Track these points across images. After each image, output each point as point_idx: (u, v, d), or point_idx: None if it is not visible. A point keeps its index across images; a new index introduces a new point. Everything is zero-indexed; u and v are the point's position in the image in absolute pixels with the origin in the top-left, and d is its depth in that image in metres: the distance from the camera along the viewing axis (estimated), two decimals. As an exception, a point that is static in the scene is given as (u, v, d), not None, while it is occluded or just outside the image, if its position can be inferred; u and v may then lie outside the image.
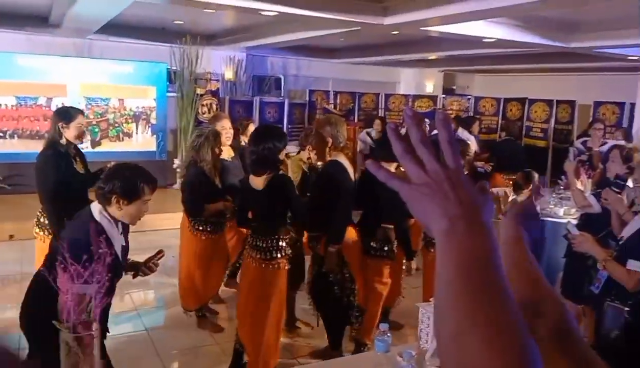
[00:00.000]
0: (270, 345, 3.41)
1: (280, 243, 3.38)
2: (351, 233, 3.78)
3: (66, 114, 3.75)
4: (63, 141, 3.71)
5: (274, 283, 3.37)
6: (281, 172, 3.47)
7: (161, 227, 7.02)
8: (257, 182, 3.34)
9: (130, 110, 8.68)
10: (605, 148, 6.22)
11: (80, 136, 3.79)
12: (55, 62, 8.10)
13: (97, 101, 8.44)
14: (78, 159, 3.85)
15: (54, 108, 7.99)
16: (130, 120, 8.72)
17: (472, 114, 9.88)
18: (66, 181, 3.62)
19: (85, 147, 8.29)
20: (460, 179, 0.61)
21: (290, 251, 3.47)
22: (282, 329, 3.75)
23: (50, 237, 3.67)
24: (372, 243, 3.78)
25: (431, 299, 2.32)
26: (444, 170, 0.61)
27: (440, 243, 0.59)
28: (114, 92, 8.55)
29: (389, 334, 2.16)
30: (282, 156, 3.45)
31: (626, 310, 2.72)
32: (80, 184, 3.78)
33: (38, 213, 3.88)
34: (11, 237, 6.35)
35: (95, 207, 2.50)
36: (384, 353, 2.14)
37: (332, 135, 3.62)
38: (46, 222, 3.77)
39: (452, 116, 8.39)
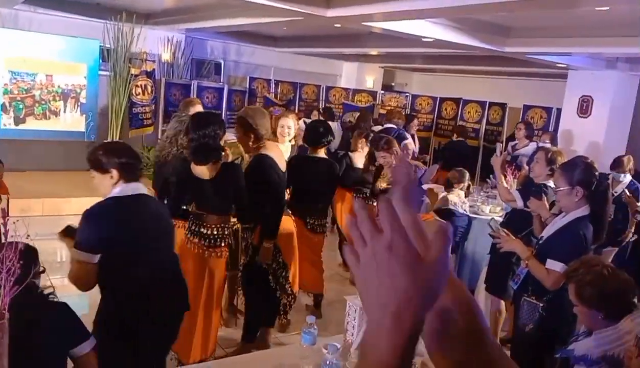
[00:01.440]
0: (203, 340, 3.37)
1: (226, 231, 3.38)
2: (286, 223, 3.79)
3: None
4: None
5: (213, 272, 3.34)
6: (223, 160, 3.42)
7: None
8: (202, 170, 3.26)
9: (59, 87, 8.24)
10: (529, 148, 6.54)
11: None
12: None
13: (23, 76, 7.95)
14: None
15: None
16: (58, 98, 8.28)
17: (409, 111, 10.09)
18: None
19: (8, 124, 7.84)
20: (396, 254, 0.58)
21: (232, 240, 3.50)
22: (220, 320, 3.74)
23: None
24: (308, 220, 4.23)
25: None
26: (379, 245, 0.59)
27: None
28: (41, 67, 8.09)
29: (315, 327, 2.16)
30: (222, 143, 3.42)
31: (541, 306, 2.86)
32: None
33: None
34: None
35: None
36: (310, 345, 2.14)
37: (257, 128, 3.52)
38: None
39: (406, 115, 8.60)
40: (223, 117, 8.82)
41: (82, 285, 2.37)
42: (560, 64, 8.08)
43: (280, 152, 3.75)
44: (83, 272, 2.34)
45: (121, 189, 2.45)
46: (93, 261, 2.33)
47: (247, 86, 10.56)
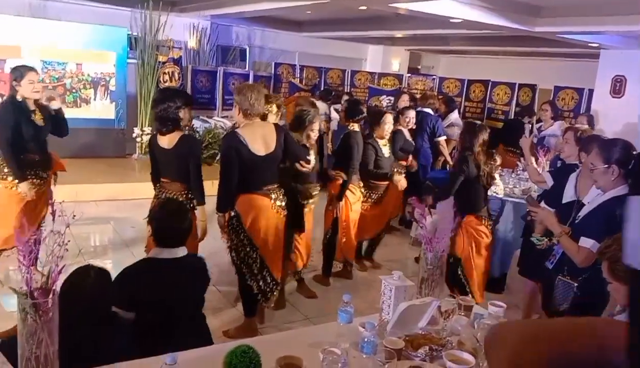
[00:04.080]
0: None
1: (190, 197, 3.63)
2: (259, 205, 3.72)
3: (17, 72, 3.99)
4: (19, 97, 3.96)
5: None
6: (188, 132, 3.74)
7: (120, 196, 6.87)
8: (164, 141, 3.62)
9: (88, 75, 8.37)
10: (555, 128, 6.42)
11: (34, 91, 3.98)
12: (9, 22, 7.71)
13: (54, 65, 8.10)
14: (38, 113, 4.07)
15: (7, 70, 7.66)
16: (88, 86, 8.41)
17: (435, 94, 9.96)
18: (22, 130, 3.94)
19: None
20: None
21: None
22: None
23: (12, 185, 4.00)
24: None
25: (393, 272, 2.36)
26: None
27: None
28: (71, 56, 8.22)
29: (351, 305, 2.18)
30: (182, 115, 3.62)
31: (575, 286, 2.84)
32: (38, 135, 4.06)
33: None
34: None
35: None
36: (347, 324, 2.16)
37: (239, 103, 3.64)
38: (6, 170, 4.00)
39: (439, 96, 8.40)
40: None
41: None
42: (592, 43, 7.88)
43: (260, 131, 3.68)
44: None
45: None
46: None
47: (272, 72, 10.56)
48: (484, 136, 4.07)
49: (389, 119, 5.00)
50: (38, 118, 4.06)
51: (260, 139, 3.64)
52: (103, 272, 2.20)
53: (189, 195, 3.66)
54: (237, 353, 1.72)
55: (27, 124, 3.97)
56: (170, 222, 2.55)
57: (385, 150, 5.06)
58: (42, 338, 1.62)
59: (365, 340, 1.97)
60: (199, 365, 1.84)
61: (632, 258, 0.78)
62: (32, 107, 4.03)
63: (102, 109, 8.56)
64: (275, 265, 3.82)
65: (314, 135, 4.30)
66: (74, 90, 8.30)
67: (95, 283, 2.12)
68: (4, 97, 4.16)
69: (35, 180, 4.05)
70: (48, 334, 1.62)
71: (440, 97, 8.06)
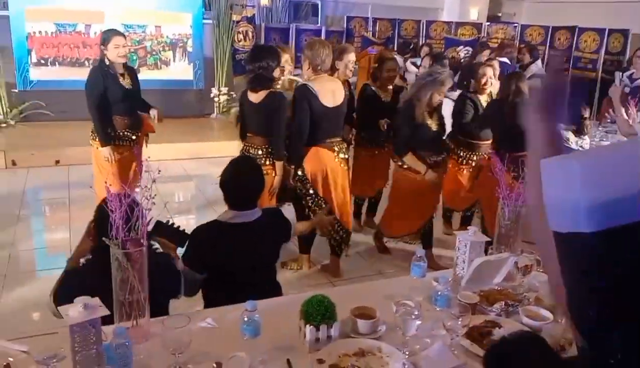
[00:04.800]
0: None
1: (269, 151, 3.74)
2: (325, 158, 3.89)
3: (103, 36, 4.18)
4: (107, 61, 4.13)
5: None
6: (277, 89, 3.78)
7: (200, 155, 7.14)
8: (253, 96, 3.71)
9: (167, 37, 8.63)
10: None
11: (120, 55, 4.13)
12: (93, -12, 8.04)
13: (135, 28, 8.40)
14: (126, 76, 4.25)
15: (92, 35, 8.05)
16: (167, 48, 8.69)
17: (517, 43, 9.46)
18: (109, 93, 4.11)
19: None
20: None
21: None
22: None
23: (127, 151, 4.24)
24: None
25: (468, 227, 2.32)
26: None
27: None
28: (151, 18, 8.49)
29: (424, 260, 2.19)
30: (276, 74, 3.72)
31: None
32: (127, 97, 4.22)
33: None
34: (57, 162, 6.57)
35: None
36: (420, 278, 2.18)
37: (311, 59, 3.76)
38: None
39: (525, 45, 7.97)
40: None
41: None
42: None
43: (329, 85, 3.81)
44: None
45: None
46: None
47: (345, 26, 10.40)
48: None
49: (488, 71, 4.49)
50: (126, 81, 4.21)
51: (330, 93, 3.78)
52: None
53: (269, 150, 3.76)
54: (313, 302, 1.79)
55: (115, 87, 4.12)
56: (240, 182, 2.46)
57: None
58: (134, 285, 1.75)
59: (439, 293, 1.98)
60: (277, 312, 1.93)
61: (553, 222, 0.79)
62: (120, 70, 4.19)
63: (180, 70, 8.83)
64: (344, 215, 3.96)
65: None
66: (154, 53, 8.60)
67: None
68: (94, 62, 4.41)
69: (122, 142, 4.25)
70: (139, 281, 1.75)
71: (521, 45, 7.64)
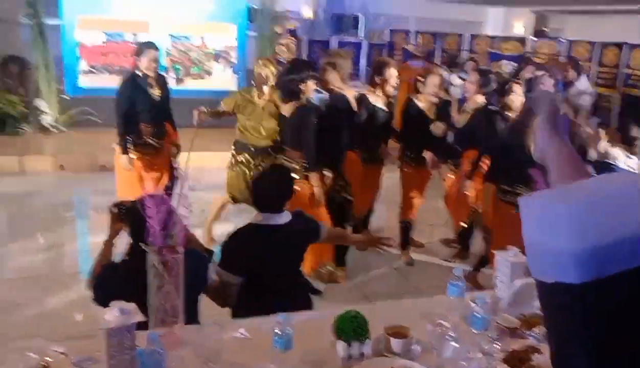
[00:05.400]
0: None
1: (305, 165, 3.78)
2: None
3: (139, 48, 4.36)
4: (139, 72, 4.30)
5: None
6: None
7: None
8: (285, 109, 3.86)
9: (212, 48, 8.80)
10: None
11: (151, 68, 4.29)
12: (141, -1, 8.29)
13: (180, 39, 8.61)
14: (155, 87, 4.39)
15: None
16: (211, 59, 8.86)
17: (563, 59, 9.23)
18: (138, 103, 4.28)
19: (170, 84, 8.57)
20: None
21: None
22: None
23: (135, 155, 4.36)
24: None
25: (508, 247, 2.26)
26: None
27: None
28: (196, 29, 8.68)
29: (463, 279, 2.14)
30: (303, 87, 3.75)
31: None
32: (155, 107, 4.37)
33: None
34: (102, 167, 6.75)
35: None
36: (457, 297, 2.12)
37: (343, 67, 4.06)
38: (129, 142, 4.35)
39: (569, 61, 7.76)
40: (360, 71, 8.85)
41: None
42: None
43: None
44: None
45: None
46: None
47: (386, 39, 10.38)
48: None
49: (517, 90, 4.32)
50: (155, 92, 4.37)
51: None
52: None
53: (304, 163, 3.80)
54: (346, 317, 1.77)
55: (143, 97, 4.28)
56: (266, 188, 2.55)
57: None
58: (169, 291, 1.77)
59: (477, 315, 1.93)
60: (309, 326, 1.91)
61: (535, 269, 0.68)
62: (151, 81, 4.35)
63: (224, 80, 8.97)
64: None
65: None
66: (198, 63, 8.78)
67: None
68: (126, 73, 4.60)
69: (146, 149, 4.38)
70: (174, 288, 1.76)
71: (565, 61, 7.45)
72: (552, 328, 0.71)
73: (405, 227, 4.70)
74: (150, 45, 4.39)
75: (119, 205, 2.17)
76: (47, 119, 7.87)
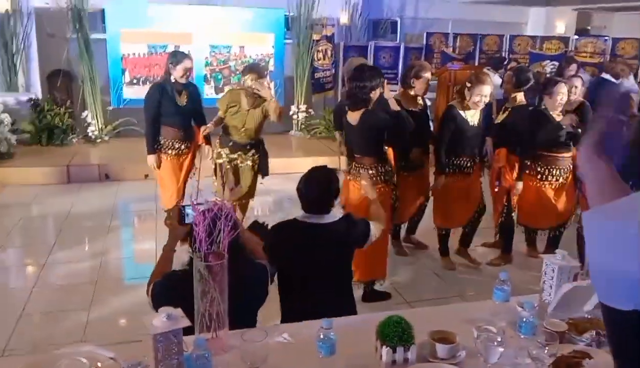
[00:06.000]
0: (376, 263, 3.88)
1: (380, 170, 3.80)
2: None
3: (174, 57, 4.60)
4: (171, 79, 4.56)
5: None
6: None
7: (278, 171, 7.27)
8: (351, 116, 3.78)
9: (250, 57, 8.91)
10: None
11: (184, 76, 4.55)
12: (183, 11, 8.47)
13: (220, 48, 8.76)
14: (184, 94, 4.65)
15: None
16: (250, 68, 8.96)
17: (607, 58, 8.97)
18: (163, 108, 4.57)
19: (210, 93, 8.74)
20: None
21: (387, 179, 3.86)
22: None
23: (168, 157, 4.71)
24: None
25: (556, 251, 2.20)
26: None
27: None
28: (235, 39, 8.82)
29: (508, 283, 2.09)
30: (373, 95, 3.69)
31: None
32: (179, 113, 4.64)
33: None
34: (146, 176, 6.92)
35: None
36: (503, 302, 2.08)
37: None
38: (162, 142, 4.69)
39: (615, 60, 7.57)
40: (398, 75, 8.80)
41: None
42: None
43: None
44: None
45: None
46: None
47: (424, 42, 10.30)
48: None
49: (562, 89, 4.28)
50: (182, 99, 4.63)
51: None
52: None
53: (380, 169, 3.82)
54: (389, 323, 1.75)
55: (169, 103, 4.56)
56: (310, 188, 2.60)
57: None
58: (214, 296, 1.79)
59: (524, 320, 1.88)
60: (352, 330, 1.91)
61: (603, 294, 0.63)
62: (179, 88, 4.61)
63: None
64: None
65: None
66: (238, 72, 8.90)
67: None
68: (159, 78, 5.02)
69: (171, 151, 4.70)
70: (219, 293, 1.79)
71: (614, 60, 7.23)
72: (622, 352, 0.67)
73: (445, 234, 4.63)
74: (186, 55, 4.66)
75: (178, 212, 2.21)
76: (93, 130, 8.14)
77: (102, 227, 5.41)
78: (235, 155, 4.71)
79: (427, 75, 4.39)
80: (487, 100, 4.24)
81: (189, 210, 2.15)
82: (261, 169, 4.84)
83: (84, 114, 8.15)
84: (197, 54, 8.24)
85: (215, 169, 4.83)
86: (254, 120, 4.60)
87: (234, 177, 4.72)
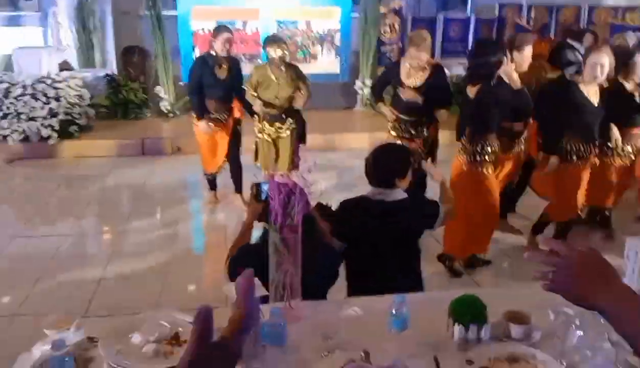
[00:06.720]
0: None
1: (486, 148, 3.77)
2: None
3: (215, 30, 4.87)
4: (213, 52, 4.85)
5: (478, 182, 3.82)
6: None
7: (343, 147, 7.28)
8: (472, 91, 3.79)
9: (317, 32, 8.89)
10: None
11: (223, 49, 4.78)
12: (249, -13, 8.54)
13: (287, 24, 8.78)
14: (224, 67, 4.88)
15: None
16: (316, 43, 8.95)
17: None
18: (204, 79, 4.83)
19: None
20: None
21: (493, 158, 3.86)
22: None
23: (219, 129, 5.01)
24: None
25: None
26: None
27: None
28: (302, 14, 8.81)
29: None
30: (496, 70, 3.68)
31: None
32: (218, 85, 4.87)
33: None
34: (178, 149, 7.05)
35: None
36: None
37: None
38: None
39: None
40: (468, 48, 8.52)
41: None
42: None
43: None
44: None
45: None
46: None
47: (496, 14, 9.89)
48: None
49: (601, 59, 3.90)
50: (221, 72, 4.87)
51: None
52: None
53: (484, 147, 3.82)
54: (464, 301, 1.74)
55: (209, 75, 4.81)
56: (376, 163, 2.59)
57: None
58: (288, 269, 1.84)
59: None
60: (423, 307, 1.90)
61: None
62: (220, 61, 4.84)
63: (328, 63, 9.05)
64: None
65: None
66: (304, 47, 8.92)
67: None
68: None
69: (211, 121, 4.92)
70: (293, 266, 1.83)
71: None
72: None
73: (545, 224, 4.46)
74: (226, 28, 4.88)
75: (257, 185, 2.28)
76: (165, 105, 8.42)
77: (175, 198, 5.63)
78: (273, 128, 4.93)
79: (530, 49, 4.05)
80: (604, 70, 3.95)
81: (264, 187, 2.20)
82: (300, 136, 5.03)
83: (157, 89, 8.43)
84: (263, 30, 8.31)
85: (256, 144, 5.05)
86: (285, 90, 4.82)
87: (274, 149, 4.98)
